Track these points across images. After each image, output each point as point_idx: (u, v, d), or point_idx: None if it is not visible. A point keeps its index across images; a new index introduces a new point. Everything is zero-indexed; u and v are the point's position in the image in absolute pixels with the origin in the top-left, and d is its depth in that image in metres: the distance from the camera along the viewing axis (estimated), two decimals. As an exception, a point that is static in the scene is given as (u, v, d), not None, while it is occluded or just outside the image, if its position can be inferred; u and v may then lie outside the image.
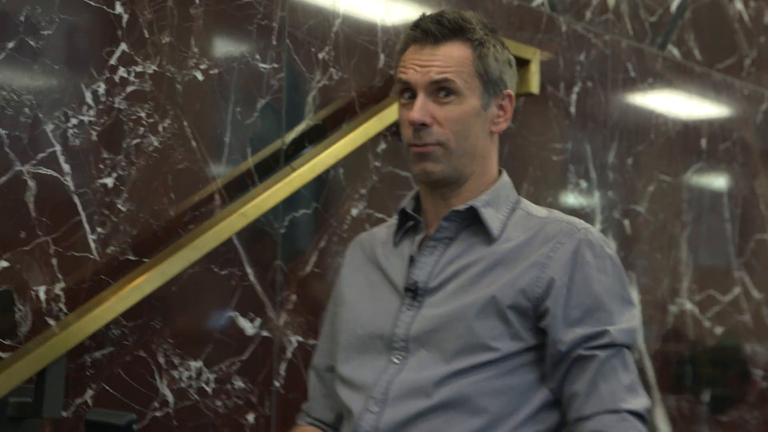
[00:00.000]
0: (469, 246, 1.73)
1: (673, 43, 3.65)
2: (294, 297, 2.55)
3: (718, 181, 3.82)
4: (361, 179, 2.69)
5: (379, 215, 2.71)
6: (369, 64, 2.67)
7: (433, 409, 1.64)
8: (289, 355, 2.54)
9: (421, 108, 1.64)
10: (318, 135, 2.61)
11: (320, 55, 2.58)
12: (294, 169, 2.41)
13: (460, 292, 1.69)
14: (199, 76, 2.37)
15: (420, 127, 1.65)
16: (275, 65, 2.48)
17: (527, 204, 1.78)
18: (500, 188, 1.75)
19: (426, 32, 1.67)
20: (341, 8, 2.65)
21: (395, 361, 1.70)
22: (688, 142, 3.69)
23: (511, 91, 1.74)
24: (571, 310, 1.65)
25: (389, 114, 2.55)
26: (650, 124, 3.55)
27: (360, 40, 2.67)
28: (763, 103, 3.94)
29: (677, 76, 3.64)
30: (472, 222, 1.71)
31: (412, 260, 1.71)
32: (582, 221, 1.75)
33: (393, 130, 2.66)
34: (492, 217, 1.70)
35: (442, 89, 1.65)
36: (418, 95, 1.65)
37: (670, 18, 3.65)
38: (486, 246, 1.71)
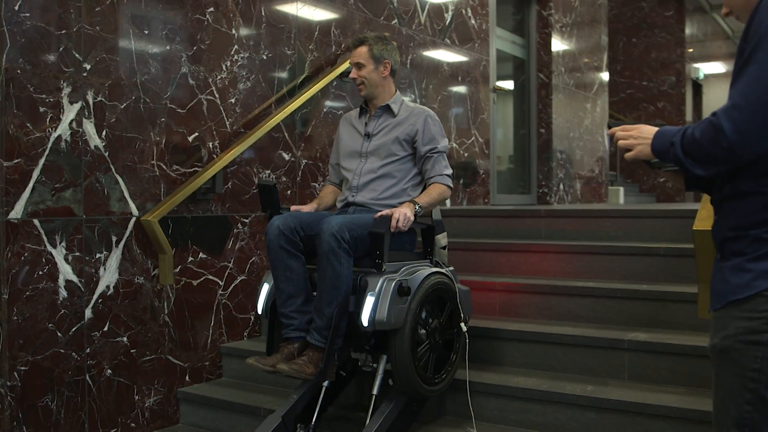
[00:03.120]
0: (386, 119, 3.01)
1: (447, 36, 5.35)
2: (303, 144, 3.99)
3: (463, 91, 5.45)
4: (328, 98, 4.18)
5: (342, 112, 4.06)
6: (326, 50, 4.20)
7: (376, 178, 2.94)
8: (302, 166, 3.98)
9: (354, 72, 3.01)
10: (309, 79, 4.11)
11: (309, 46, 4.01)
12: (302, 94, 3.84)
13: (383, 135, 2.98)
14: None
15: (355, 79, 3.01)
16: (291, 51, 3.87)
17: (407, 101, 3.06)
18: (397, 97, 3.05)
19: (353, 44, 3.04)
20: (317, 29, 3.93)
21: (362, 161, 2.97)
22: (454, 76, 5.28)
23: (388, 60, 3.01)
24: (424, 140, 2.94)
25: (338, 70, 4.02)
26: (437, 68, 5.14)
27: (325, 41, 4.10)
28: (482, 62, 5.58)
29: (448, 49, 5.26)
30: (386, 110, 3.01)
31: (366, 124, 3.01)
32: (426, 107, 3.02)
33: (341, 77, 4.04)
34: (394, 107, 3.01)
35: (358, 65, 3.00)
36: (354, 68, 3.00)
37: (446, 26, 5.16)
38: (392, 118, 3.00)
